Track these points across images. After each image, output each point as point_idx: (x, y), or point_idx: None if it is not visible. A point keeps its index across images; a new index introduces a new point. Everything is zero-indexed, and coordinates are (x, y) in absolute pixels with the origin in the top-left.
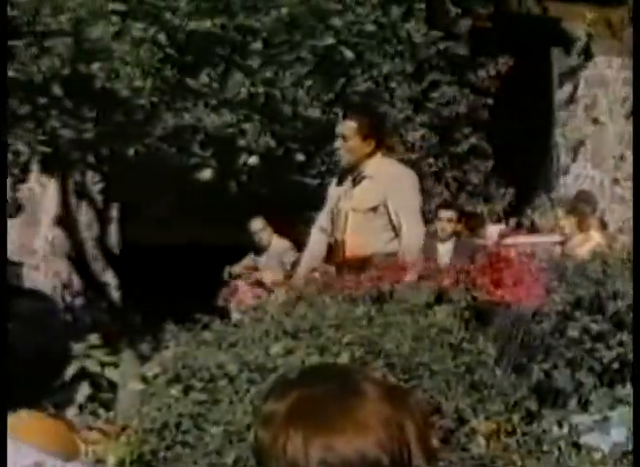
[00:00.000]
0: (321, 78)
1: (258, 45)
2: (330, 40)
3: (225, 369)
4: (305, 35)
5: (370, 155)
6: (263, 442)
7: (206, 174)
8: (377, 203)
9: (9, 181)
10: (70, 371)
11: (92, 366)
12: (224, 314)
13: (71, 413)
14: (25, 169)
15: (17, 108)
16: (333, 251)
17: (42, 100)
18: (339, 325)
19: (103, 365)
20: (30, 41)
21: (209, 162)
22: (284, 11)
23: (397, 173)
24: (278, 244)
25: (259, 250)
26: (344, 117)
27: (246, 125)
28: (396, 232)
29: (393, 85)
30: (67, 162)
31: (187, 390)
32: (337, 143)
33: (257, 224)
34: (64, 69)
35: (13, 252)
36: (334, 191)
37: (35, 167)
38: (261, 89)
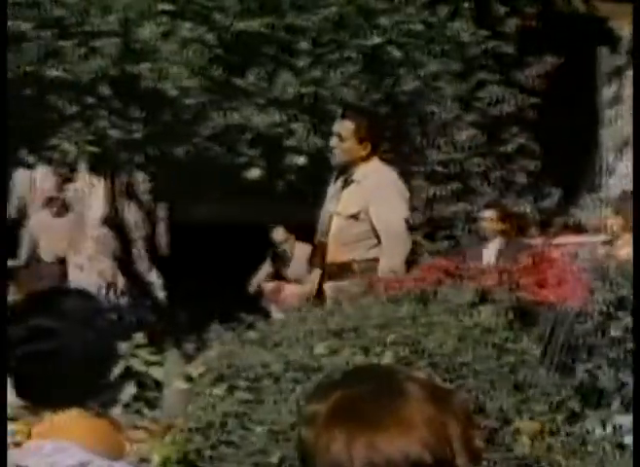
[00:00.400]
0: (369, 77)
1: (306, 44)
2: (377, 39)
3: (269, 368)
4: (353, 34)
5: (365, 158)
6: (306, 442)
7: (254, 173)
8: (359, 210)
9: (56, 180)
10: (116, 370)
11: (138, 365)
12: (267, 314)
13: (116, 412)
14: (73, 169)
15: (66, 108)
16: (317, 253)
17: (90, 100)
18: (384, 325)
19: (148, 364)
20: (79, 41)
21: (257, 162)
22: (332, 10)
23: (384, 181)
24: (301, 251)
25: (284, 260)
26: (342, 116)
27: (294, 125)
28: (378, 239)
29: (440, 84)
30: (115, 162)
31: (231, 389)
32: (333, 142)
33: (279, 234)
34: (113, 69)
35: (60, 251)
36: (330, 191)
37: (83, 167)
38: (309, 89)
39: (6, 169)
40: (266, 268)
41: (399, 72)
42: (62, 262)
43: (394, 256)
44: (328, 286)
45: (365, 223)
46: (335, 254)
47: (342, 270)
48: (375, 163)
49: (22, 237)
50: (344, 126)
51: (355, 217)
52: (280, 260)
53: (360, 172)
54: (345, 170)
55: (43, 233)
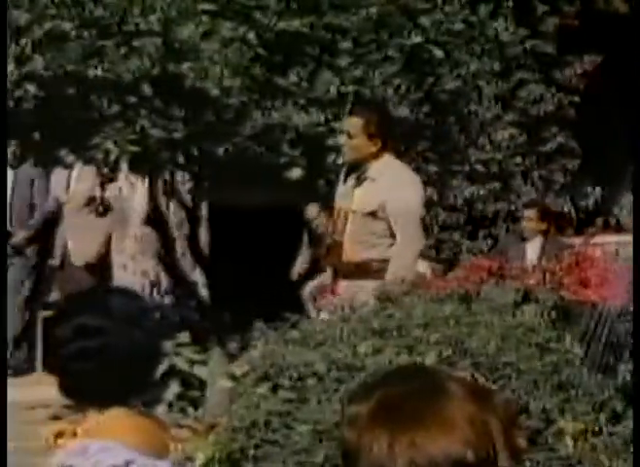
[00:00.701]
0: (409, 77)
1: (347, 44)
2: (418, 38)
3: (313, 367)
4: (394, 34)
5: (376, 155)
6: (349, 442)
7: (295, 173)
8: (376, 208)
9: (98, 180)
10: (161, 369)
11: (182, 364)
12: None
13: (160, 411)
14: (115, 169)
15: (107, 108)
16: (331, 252)
17: (131, 100)
18: (427, 324)
19: (192, 363)
20: (120, 41)
21: (299, 161)
22: (373, 9)
23: (400, 179)
24: None
25: (320, 239)
26: (350, 113)
27: (335, 124)
28: (394, 237)
29: (480, 83)
30: (157, 162)
31: (275, 389)
32: (342, 139)
33: (312, 211)
34: (154, 69)
35: (100, 251)
36: (340, 189)
37: (124, 167)
38: (350, 88)
39: (6, 169)
40: (304, 252)
41: (439, 71)
42: (104, 261)
43: (407, 254)
44: (343, 285)
45: (382, 221)
46: (351, 253)
47: (360, 270)
48: (389, 160)
49: (58, 238)
50: (353, 123)
51: (373, 215)
52: (317, 240)
53: (374, 169)
54: (356, 168)
55: (82, 232)
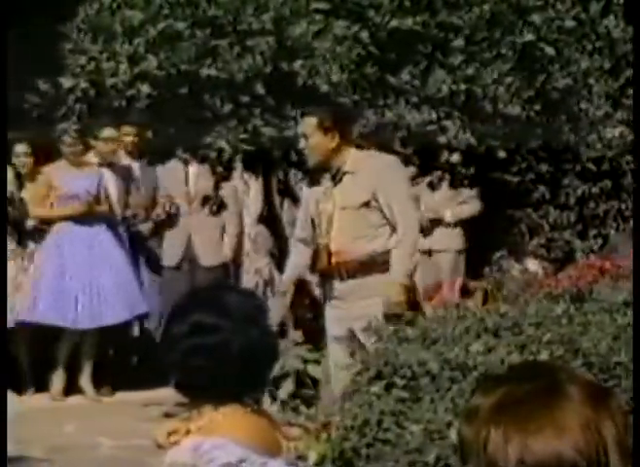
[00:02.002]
0: (521, 75)
1: (459, 42)
2: (529, 36)
3: (426, 366)
4: (505, 32)
5: (337, 149)
6: (465, 437)
7: (409, 171)
8: (369, 198)
9: (213, 179)
10: (276, 368)
11: (296, 363)
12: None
13: (273, 409)
14: (229, 167)
15: (220, 107)
16: (316, 258)
17: (244, 99)
18: (540, 323)
19: (306, 362)
20: (233, 40)
21: (411, 159)
22: (485, 7)
23: (381, 164)
24: None
25: None
26: (302, 115)
27: (447, 123)
28: (392, 226)
29: (591, 81)
30: (270, 160)
31: (389, 387)
32: (301, 144)
33: None
34: (266, 68)
35: (216, 250)
36: (309, 194)
37: (238, 165)
38: (462, 87)
39: (5, 169)
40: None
41: (550, 69)
42: (224, 260)
43: (410, 232)
44: (345, 286)
45: (376, 211)
46: (342, 251)
47: (363, 266)
48: (358, 151)
49: (173, 237)
50: (307, 124)
51: (367, 205)
52: None
53: (350, 164)
54: (325, 168)
55: (198, 232)
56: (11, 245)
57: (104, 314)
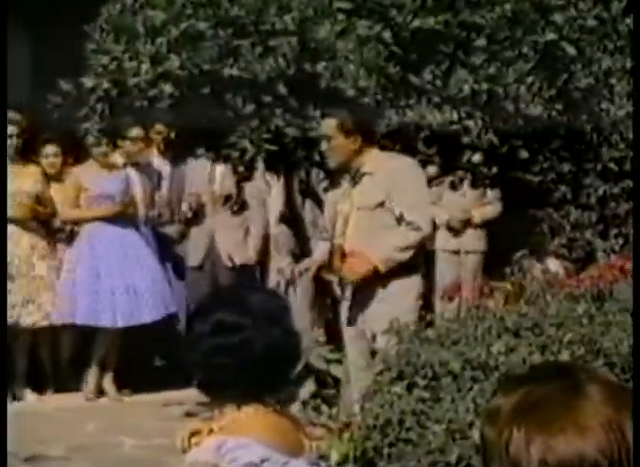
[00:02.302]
0: (543, 74)
1: (481, 41)
2: (551, 36)
3: (448, 366)
4: (527, 31)
5: (359, 151)
6: (487, 438)
7: (431, 171)
8: (383, 198)
9: (235, 179)
10: (298, 367)
11: (318, 363)
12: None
13: (295, 408)
14: (250, 167)
15: (242, 107)
16: (331, 258)
17: (267, 99)
18: (561, 323)
19: (328, 361)
20: (255, 40)
21: (434, 159)
22: (507, 7)
23: (398, 167)
24: None
25: None
26: (321, 116)
27: (469, 122)
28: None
29: (612, 81)
30: (292, 161)
31: (410, 387)
32: (323, 145)
33: None
34: (289, 68)
35: (238, 249)
36: (331, 195)
37: (260, 165)
38: (484, 86)
39: (5, 169)
40: None
41: (572, 69)
42: (248, 260)
43: (406, 239)
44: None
45: (390, 212)
46: (355, 252)
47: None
48: (380, 153)
49: (197, 237)
50: (328, 125)
51: (382, 205)
52: None
53: (369, 165)
54: (345, 170)
55: (221, 231)
56: (40, 244)
57: (141, 312)
